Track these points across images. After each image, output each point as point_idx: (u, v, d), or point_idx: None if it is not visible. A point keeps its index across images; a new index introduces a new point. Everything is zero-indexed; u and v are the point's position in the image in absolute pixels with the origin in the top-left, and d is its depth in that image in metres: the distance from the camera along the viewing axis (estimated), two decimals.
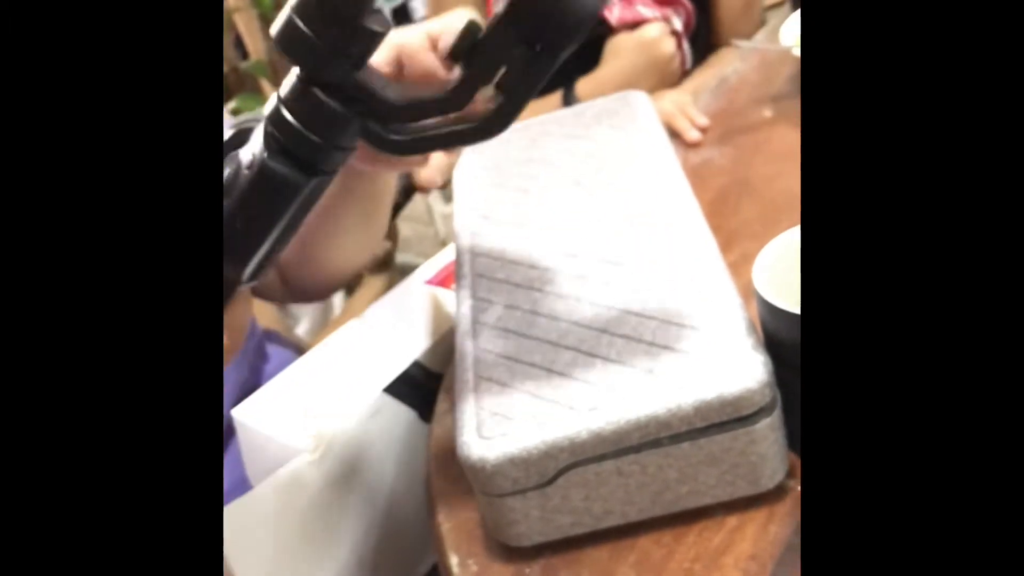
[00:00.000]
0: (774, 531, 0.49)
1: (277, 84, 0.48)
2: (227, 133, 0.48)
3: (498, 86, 0.46)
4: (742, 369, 0.46)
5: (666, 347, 0.49)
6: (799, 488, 0.51)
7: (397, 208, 1.44)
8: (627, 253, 0.58)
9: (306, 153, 0.46)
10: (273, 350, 0.86)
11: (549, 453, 0.47)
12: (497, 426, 0.48)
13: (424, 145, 0.49)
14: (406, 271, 0.81)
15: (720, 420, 0.46)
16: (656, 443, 0.47)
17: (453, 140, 0.48)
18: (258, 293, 0.83)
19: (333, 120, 0.46)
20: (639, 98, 0.77)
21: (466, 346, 0.55)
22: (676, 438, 0.47)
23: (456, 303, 0.61)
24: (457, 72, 0.47)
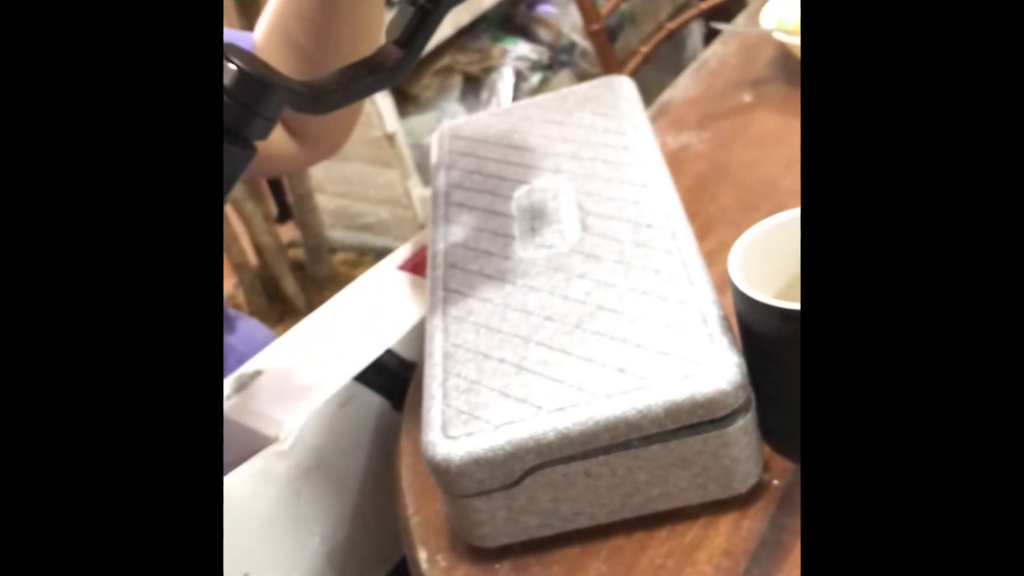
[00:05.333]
0: (748, 526, 0.48)
1: None
2: None
3: (396, 43, 0.54)
4: (715, 369, 0.46)
5: (638, 345, 0.49)
6: (775, 482, 0.50)
7: None
8: (603, 244, 0.57)
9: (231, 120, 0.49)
10: (239, 328, 0.85)
11: (515, 454, 0.46)
12: (463, 425, 0.47)
13: (343, 99, 0.53)
14: (384, 255, 0.80)
15: (691, 422, 0.45)
16: (625, 444, 0.46)
17: (369, 90, 0.54)
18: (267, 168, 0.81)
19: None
20: (623, 83, 0.76)
21: (436, 340, 0.54)
22: (646, 440, 0.46)
23: (428, 294, 0.59)
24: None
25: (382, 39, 0.71)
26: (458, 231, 0.63)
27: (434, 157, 0.74)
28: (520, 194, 0.65)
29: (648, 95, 0.95)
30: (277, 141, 0.78)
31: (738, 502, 0.49)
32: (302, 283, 2.11)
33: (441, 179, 0.71)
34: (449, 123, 0.78)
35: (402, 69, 0.54)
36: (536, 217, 0.62)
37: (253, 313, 2.03)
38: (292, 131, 0.78)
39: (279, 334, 0.72)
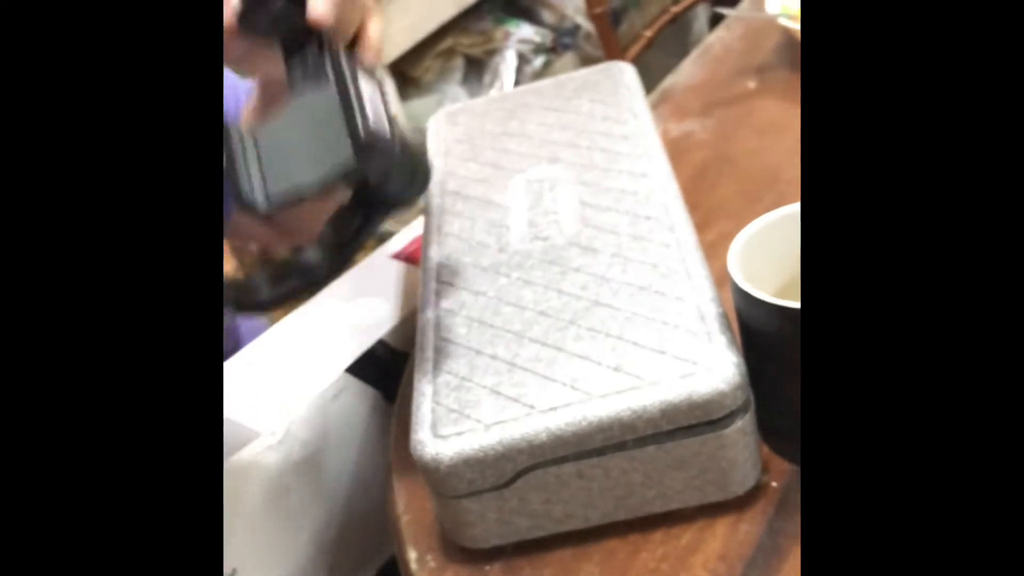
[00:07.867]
0: (745, 530, 0.47)
1: None
2: None
3: (325, 244, 0.50)
4: (713, 369, 0.44)
5: (634, 343, 0.47)
6: (773, 484, 0.49)
7: None
8: (600, 237, 0.56)
9: None
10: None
11: (506, 455, 0.45)
12: (453, 424, 0.46)
13: (275, 303, 0.51)
14: (385, 238, 0.78)
15: (688, 423, 0.44)
16: (620, 446, 0.45)
17: (295, 294, 0.52)
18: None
19: None
20: (623, 70, 0.74)
21: (427, 334, 0.53)
22: (641, 441, 0.45)
23: (420, 285, 0.58)
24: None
25: None
26: (453, 221, 0.62)
27: (429, 144, 0.73)
28: (516, 183, 0.63)
29: (652, 80, 0.93)
30: None
31: (735, 505, 0.48)
32: None
33: (437, 167, 0.69)
34: (445, 109, 0.76)
35: (329, 276, 0.51)
36: (532, 208, 0.60)
37: None
38: None
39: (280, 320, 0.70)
